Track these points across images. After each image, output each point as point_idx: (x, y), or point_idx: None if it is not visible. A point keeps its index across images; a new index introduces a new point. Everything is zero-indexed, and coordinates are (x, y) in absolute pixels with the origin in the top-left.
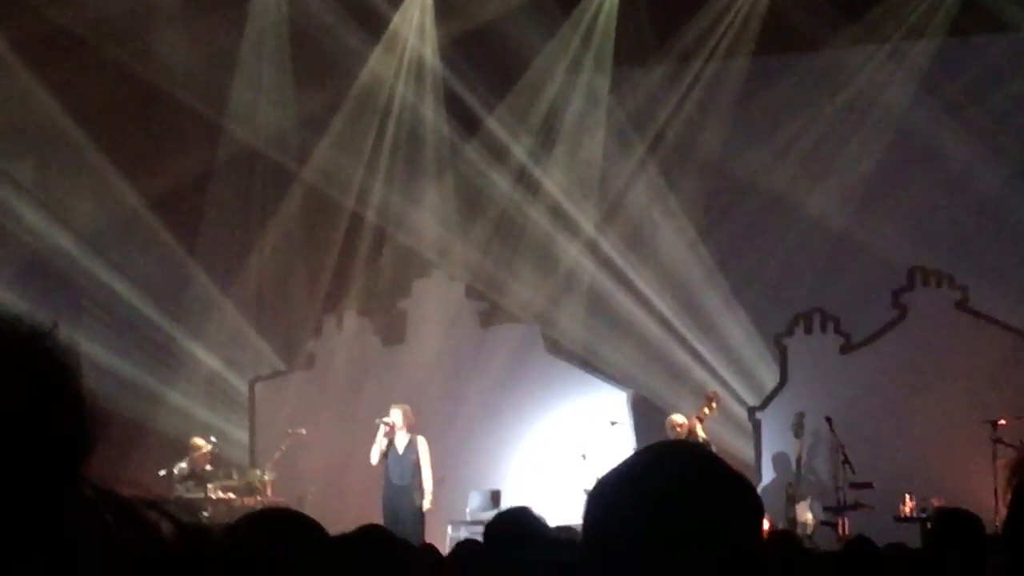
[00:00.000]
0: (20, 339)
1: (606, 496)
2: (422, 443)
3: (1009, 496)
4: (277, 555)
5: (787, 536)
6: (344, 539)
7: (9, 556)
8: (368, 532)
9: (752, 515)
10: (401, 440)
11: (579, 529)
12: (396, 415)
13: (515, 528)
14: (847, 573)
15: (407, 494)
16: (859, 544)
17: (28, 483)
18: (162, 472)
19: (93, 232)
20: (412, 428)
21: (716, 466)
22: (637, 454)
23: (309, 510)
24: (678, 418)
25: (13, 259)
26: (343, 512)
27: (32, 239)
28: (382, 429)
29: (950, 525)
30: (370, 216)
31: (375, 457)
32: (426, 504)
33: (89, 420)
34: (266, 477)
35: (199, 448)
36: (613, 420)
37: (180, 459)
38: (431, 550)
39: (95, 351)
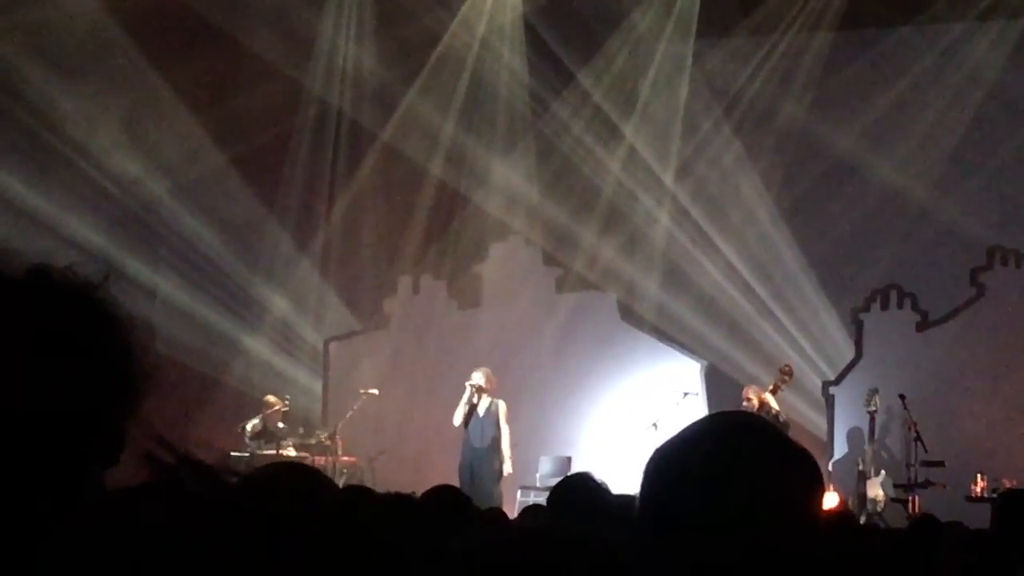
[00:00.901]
0: (70, 289)
1: (663, 466)
2: (502, 406)
3: None
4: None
5: (846, 514)
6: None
7: (53, 498)
8: (441, 492)
9: (811, 490)
10: (482, 404)
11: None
12: (479, 377)
13: (577, 495)
14: (910, 550)
15: (486, 457)
16: (924, 522)
17: (71, 427)
18: (239, 428)
19: (176, 186)
20: (493, 392)
21: (776, 438)
22: (695, 424)
23: (380, 469)
24: (752, 390)
25: (101, 208)
26: (415, 472)
27: (118, 190)
28: (469, 391)
29: (1015, 506)
30: (448, 178)
31: (458, 419)
32: (507, 468)
33: (138, 372)
34: (338, 436)
35: (272, 405)
36: (686, 391)
37: (254, 415)
38: (498, 513)
39: (174, 300)
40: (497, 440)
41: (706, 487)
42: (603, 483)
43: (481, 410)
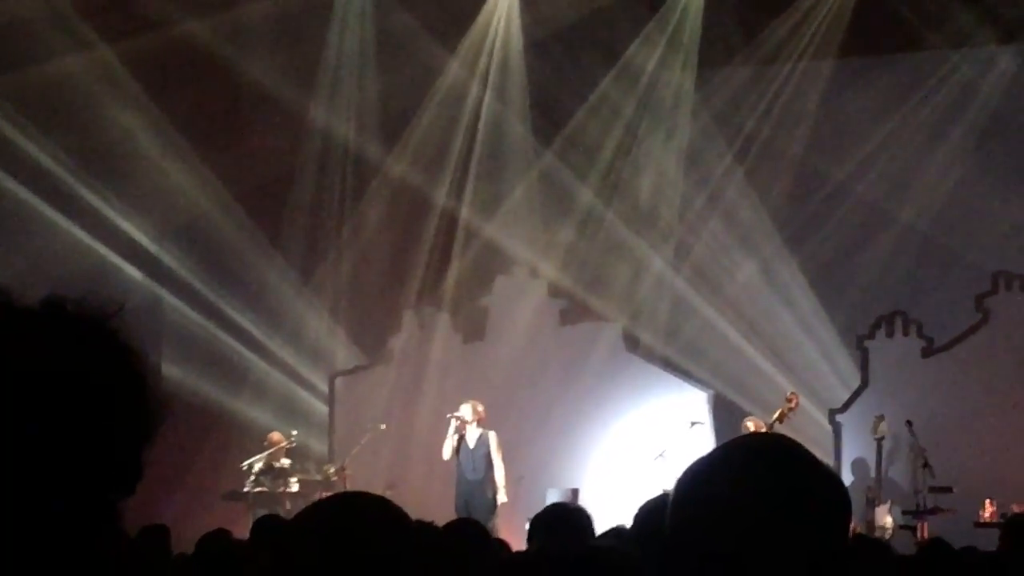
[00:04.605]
0: (85, 320)
1: (692, 487)
2: (492, 437)
3: None
4: (362, 539)
5: (865, 537)
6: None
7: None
8: (460, 525)
9: (841, 511)
10: (472, 435)
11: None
12: (466, 410)
13: (557, 523)
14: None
15: (480, 488)
16: (935, 547)
17: (88, 457)
18: (243, 465)
19: (180, 222)
20: (483, 422)
21: (807, 460)
22: (726, 446)
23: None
24: (752, 421)
25: (109, 242)
26: (421, 507)
27: (108, 234)
28: (453, 424)
29: (1014, 530)
30: (454, 213)
31: (447, 453)
32: (501, 497)
33: (151, 402)
34: (345, 471)
35: (277, 442)
36: (694, 420)
37: (258, 452)
38: (502, 545)
39: (179, 336)
40: (491, 471)
41: (738, 507)
42: (581, 509)
43: (472, 442)
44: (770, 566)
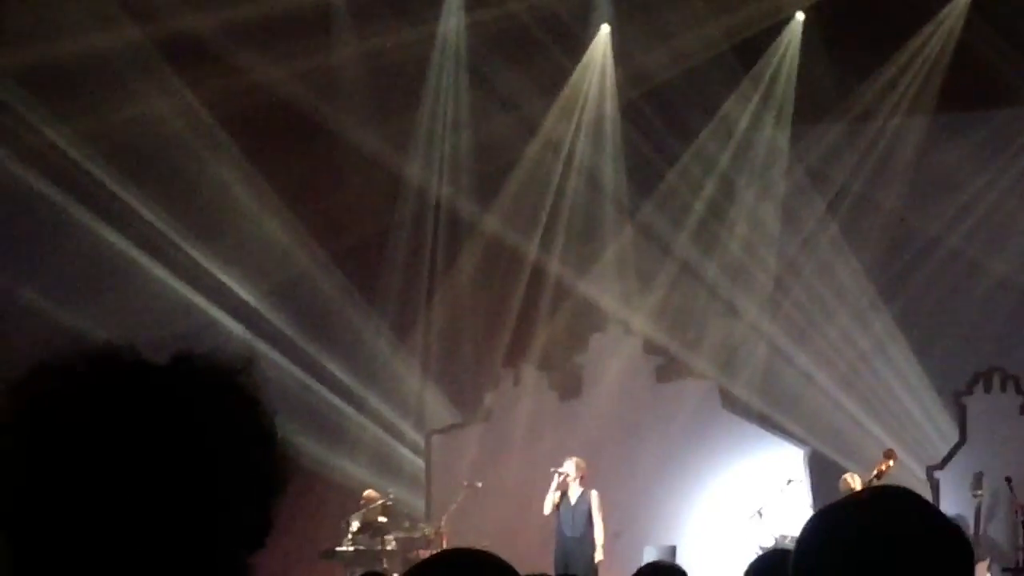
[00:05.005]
0: (215, 375)
1: (819, 535)
2: (595, 496)
3: None
4: None
5: None
6: None
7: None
8: None
9: (965, 560)
10: (574, 492)
11: None
12: (569, 466)
13: None
14: None
15: (580, 546)
16: None
17: (220, 513)
18: (342, 523)
19: (276, 282)
20: (585, 481)
21: (931, 510)
22: (850, 497)
23: None
24: (851, 477)
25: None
26: (518, 565)
27: (208, 289)
28: (556, 479)
29: None
30: (549, 270)
31: (548, 507)
32: (598, 555)
33: (280, 455)
34: (442, 529)
35: (373, 500)
36: (790, 478)
37: (355, 510)
38: None
39: (277, 396)
40: (590, 529)
41: (864, 558)
42: (677, 567)
43: (573, 499)
44: None
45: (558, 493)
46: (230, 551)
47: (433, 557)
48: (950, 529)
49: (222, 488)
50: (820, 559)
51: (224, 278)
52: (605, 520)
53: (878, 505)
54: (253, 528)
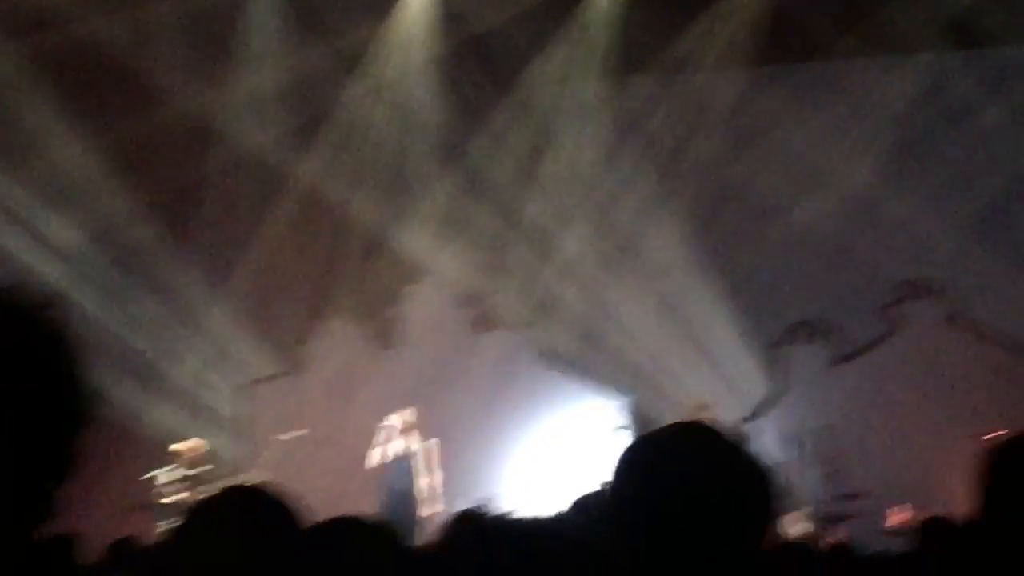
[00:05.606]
0: (20, 307)
1: (637, 464)
2: (420, 450)
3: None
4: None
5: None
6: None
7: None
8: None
9: (773, 500)
10: (400, 445)
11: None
12: (395, 419)
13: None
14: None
15: (405, 499)
16: (842, 551)
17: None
18: (152, 475)
19: (93, 231)
20: (410, 435)
21: (741, 449)
22: (670, 428)
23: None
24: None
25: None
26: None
27: (18, 249)
28: (381, 432)
29: (934, 534)
30: (363, 219)
31: (373, 461)
32: (425, 512)
33: (85, 390)
34: (260, 479)
35: (183, 453)
36: (621, 425)
37: (167, 461)
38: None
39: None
40: (416, 482)
41: (681, 486)
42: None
43: (400, 452)
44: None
45: (385, 446)
46: (32, 481)
47: (216, 494)
48: (750, 458)
49: (20, 417)
50: (632, 485)
51: (37, 224)
52: (431, 473)
53: (683, 437)
54: (55, 460)
